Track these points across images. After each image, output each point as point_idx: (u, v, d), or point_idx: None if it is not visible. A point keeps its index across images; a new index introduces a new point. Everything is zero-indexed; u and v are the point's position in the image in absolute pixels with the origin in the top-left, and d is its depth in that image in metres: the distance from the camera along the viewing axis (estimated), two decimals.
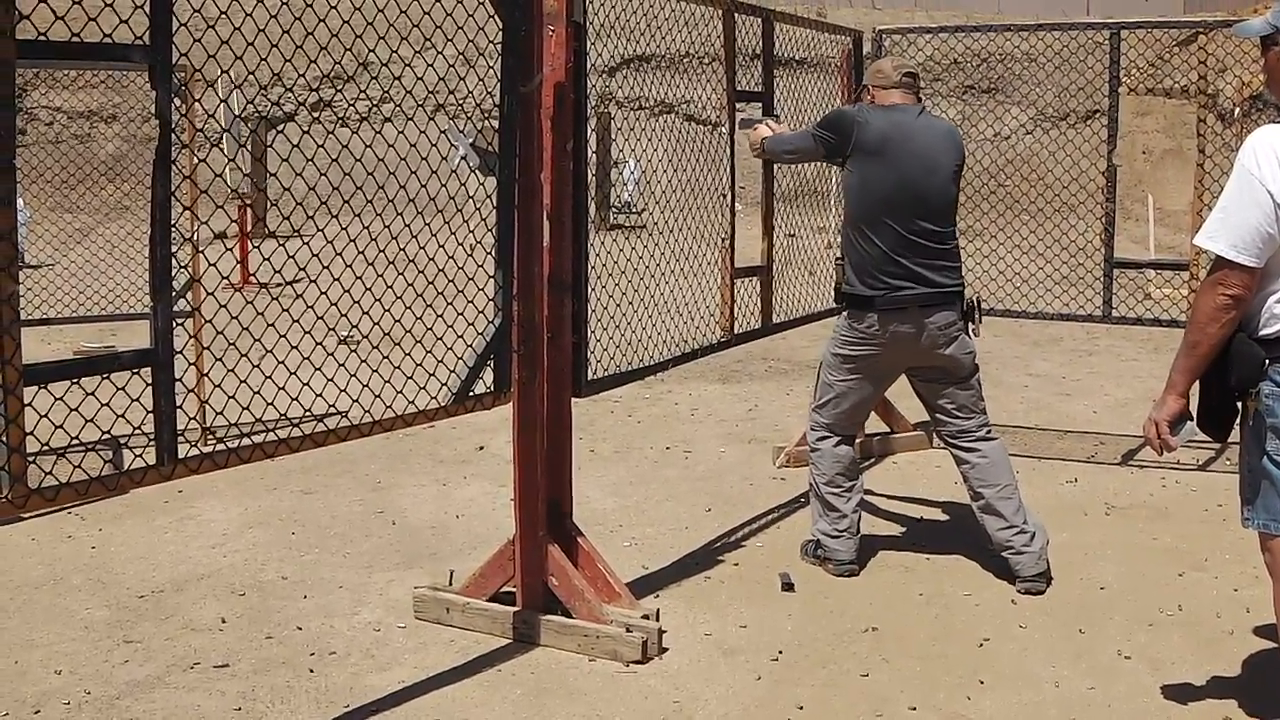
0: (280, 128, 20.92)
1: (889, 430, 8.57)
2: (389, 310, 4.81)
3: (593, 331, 5.60)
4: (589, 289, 5.49)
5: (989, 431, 6.20)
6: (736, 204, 6.93)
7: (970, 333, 6.08)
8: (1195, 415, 4.31)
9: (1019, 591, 5.98)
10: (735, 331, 6.68)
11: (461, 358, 5.07)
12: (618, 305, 6.24)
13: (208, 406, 7.24)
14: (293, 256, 4.54)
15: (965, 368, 6.09)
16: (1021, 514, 6.05)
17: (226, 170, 4.40)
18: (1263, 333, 4.10)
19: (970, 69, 21.83)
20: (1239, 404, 4.22)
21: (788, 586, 5.91)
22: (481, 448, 8.50)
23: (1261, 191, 3.96)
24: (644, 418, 9.51)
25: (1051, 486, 7.68)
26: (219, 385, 4.50)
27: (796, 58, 7.78)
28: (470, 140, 11.74)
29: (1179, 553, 6.51)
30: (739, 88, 6.69)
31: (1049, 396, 10.19)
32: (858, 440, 6.47)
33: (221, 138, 14.98)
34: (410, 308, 4.83)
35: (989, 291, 8.65)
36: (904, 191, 5.88)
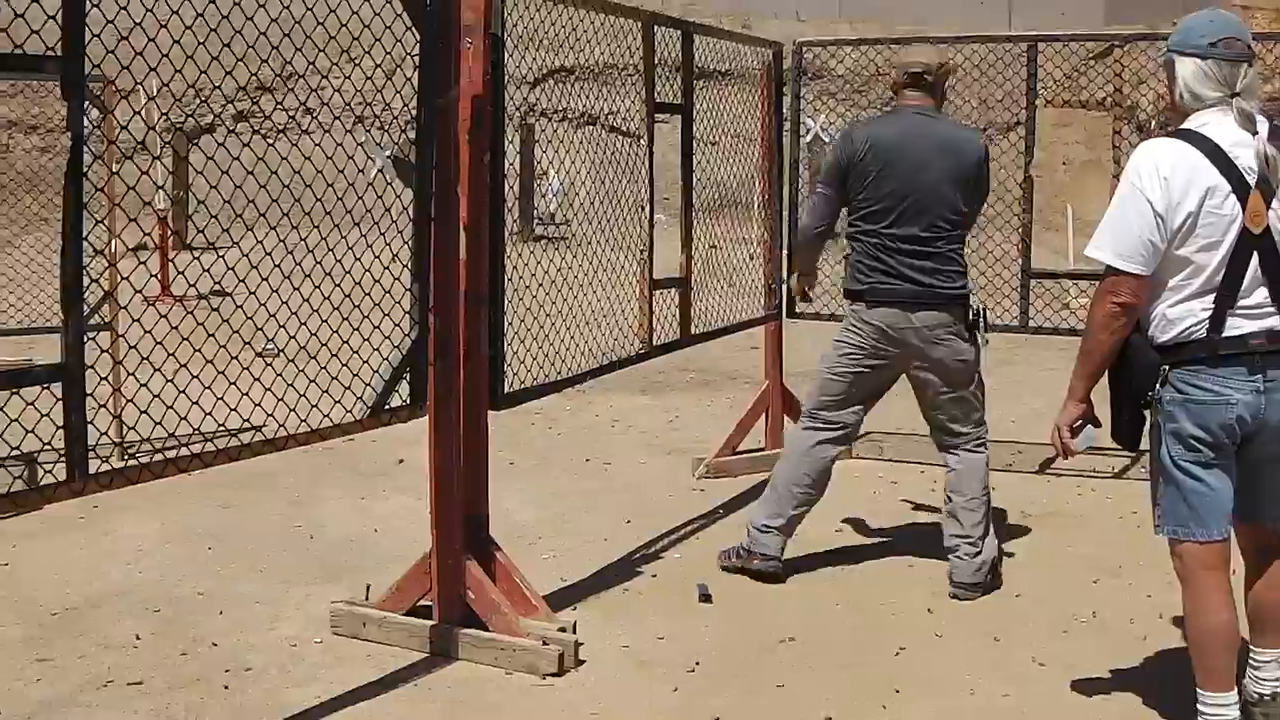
0: (196, 140, 20.75)
1: None
2: (305, 324, 4.78)
3: (510, 344, 5.59)
4: (507, 301, 5.49)
5: (976, 445, 6.26)
6: (660, 215, 6.95)
7: (975, 341, 6.13)
8: (1110, 426, 4.47)
9: (949, 595, 6.08)
10: (654, 343, 6.68)
11: (377, 371, 5.05)
12: (535, 318, 6.24)
13: (123, 422, 7.23)
14: (207, 271, 4.52)
15: (955, 375, 6.11)
16: (979, 528, 6.12)
17: (145, 182, 4.36)
18: (1160, 340, 4.29)
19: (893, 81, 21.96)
20: (1145, 413, 4.39)
21: (705, 598, 5.93)
22: (401, 461, 8.45)
23: (1144, 202, 4.14)
24: (565, 429, 9.51)
25: None
26: (131, 400, 4.46)
27: (721, 69, 7.82)
28: (388, 154, 11.72)
29: (1095, 560, 6.59)
30: (661, 100, 6.73)
31: None
32: (834, 456, 6.41)
33: (134, 150, 14.78)
34: (327, 321, 4.81)
35: None
36: (891, 194, 6.02)
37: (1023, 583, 6.25)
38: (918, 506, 7.59)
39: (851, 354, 6.19)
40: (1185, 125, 4.23)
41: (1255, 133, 4.17)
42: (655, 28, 6.43)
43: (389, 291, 5.09)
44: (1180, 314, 4.24)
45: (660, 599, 6.00)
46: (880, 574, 6.38)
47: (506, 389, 5.49)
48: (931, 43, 8.49)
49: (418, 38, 4.94)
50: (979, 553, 6.12)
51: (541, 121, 24.28)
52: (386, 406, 5.07)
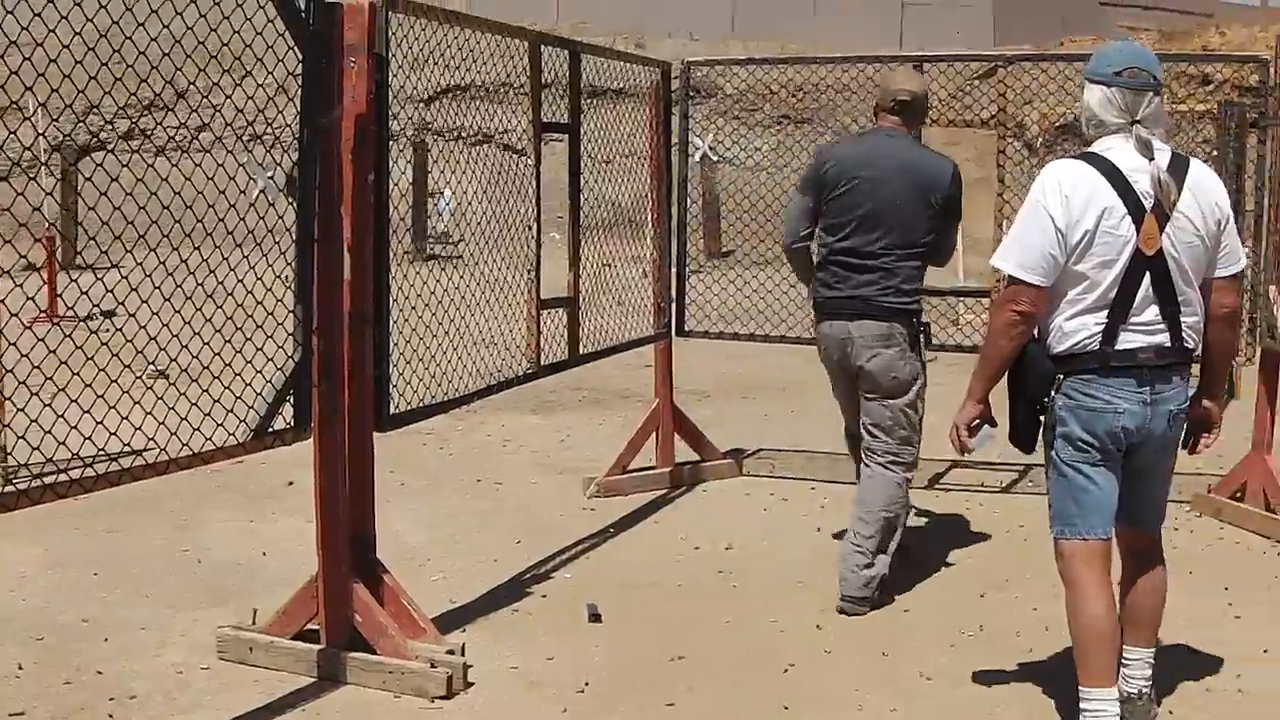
0: (75, 162, 20.43)
1: (699, 459, 8.62)
2: (186, 346, 4.71)
3: (397, 365, 5.56)
4: (394, 322, 5.45)
5: (890, 461, 6.29)
6: (554, 234, 6.94)
7: (919, 357, 6.32)
8: (1009, 429, 4.73)
9: (837, 609, 6.12)
10: (542, 363, 6.67)
11: (260, 394, 5.00)
12: (423, 339, 6.19)
13: (3, 449, 7.10)
14: (85, 293, 4.45)
15: (883, 387, 6.25)
16: (872, 542, 6.17)
17: (31, 199, 4.29)
18: (1056, 350, 4.53)
19: (784, 100, 22.14)
20: (1040, 418, 4.63)
21: (595, 617, 5.92)
22: (291, 483, 8.36)
23: (1046, 218, 4.39)
24: (456, 450, 9.47)
25: None
26: (7, 425, 4.38)
27: (615, 88, 7.83)
28: (270, 174, 11.59)
29: (982, 573, 6.67)
30: (550, 119, 6.76)
31: None
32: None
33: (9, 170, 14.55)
34: (209, 344, 4.76)
35: (796, 319, 8.77)
36: (847, 208, 6.24)
37: (911, 597, 6.31)
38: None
39: (823, 363, 6.56)
40: (1090, 149, 4.50)
41: (1152, 159, 4.39)
42: (542, 47, 6.42)
43: (271, 313, 5.03)
44: (1075, 327, 4.46)
45: (550, 619, 5.99)
46: (770, 590, 6.40)
47: (392, 410, 5.46)
48: (819, 62, 8.62)
49: (300, 57, 4.90)
50: (868, 565, 6.15)
51: (435, 140, 24.19)
52: (270, 429, 5.01)
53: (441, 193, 22.01)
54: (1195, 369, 4.78)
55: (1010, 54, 8.01)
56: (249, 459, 7.80)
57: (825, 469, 8.72)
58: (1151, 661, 4.84)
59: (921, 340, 6.36)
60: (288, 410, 5.09)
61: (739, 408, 11.17)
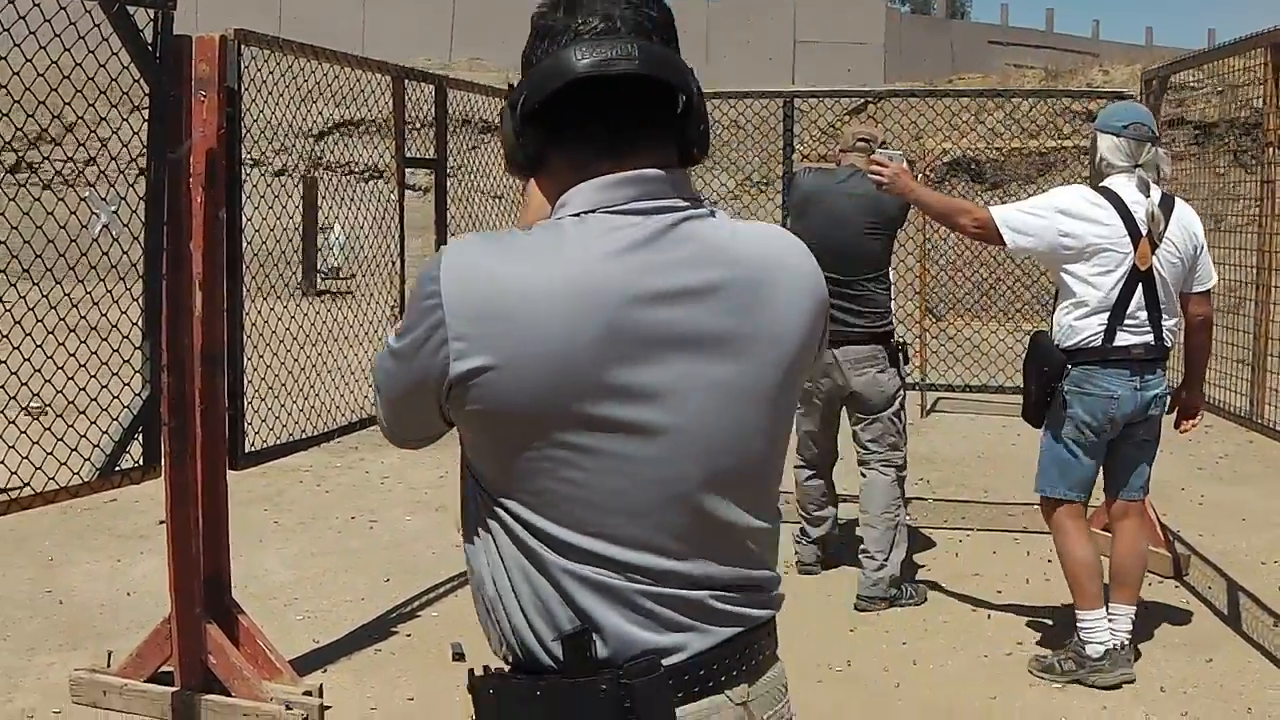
0: None
1: None
2: (50, 381, 4.61)
3: (265, 400, 5.48)
4: (253, 357, 5.37)
5: (884, 465, 6.79)
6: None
7: (898, 373, 6.80)
8: (1023, 411, 5.88)
9: (854, 606, 6.63)
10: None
11: (105, 431, 4.90)
12: (292, 374, 6.12)
13: None
14: None
15: (873, 403, 6.76)
16: (880, 544, 6.66)
17: None
18: (1064, 345, 5.60)
19: None
20: (1048, 398, 5.65)
21: (458, 656, 5.84)
22: (162, 521, 8.22)
23: (1055, 212, 5.55)
24: (333, 487, 9.35)
25: None
26: None
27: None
28: (113, 208, 11.41)
29: (852, 609, 6.65)
30: (424, 154, 6.77)
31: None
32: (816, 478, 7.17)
33: None
34: (73, 378, 4.67)
35: None
36: (814, 243, 6.09)
37: (779, 632, 6.28)
38: None
39: (804, 394, 6.63)
40: (1102, 184, 5.59)
41: (1148, 196, 5.51)
42: (406, 82, 6.38)
43: (118, 350, 4.94)
44: (1081, 326, 5.53)
45: (413, 659, 5.91)
46: None
47: (248, 448, 5.37)
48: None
49: (146, 90, 4.82)
50: (880, 566, 6.63)
51: (326, 175, 24.02)
52: (117, 467, 4.92)
53: (331, 227, 21.85)
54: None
55: (880, 90, 8.06)
56: (121, 497, 7.71)
57: None
58: (1133, 617, 5.76)
59: (900, 357, 6.84)
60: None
61: None
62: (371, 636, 6.16)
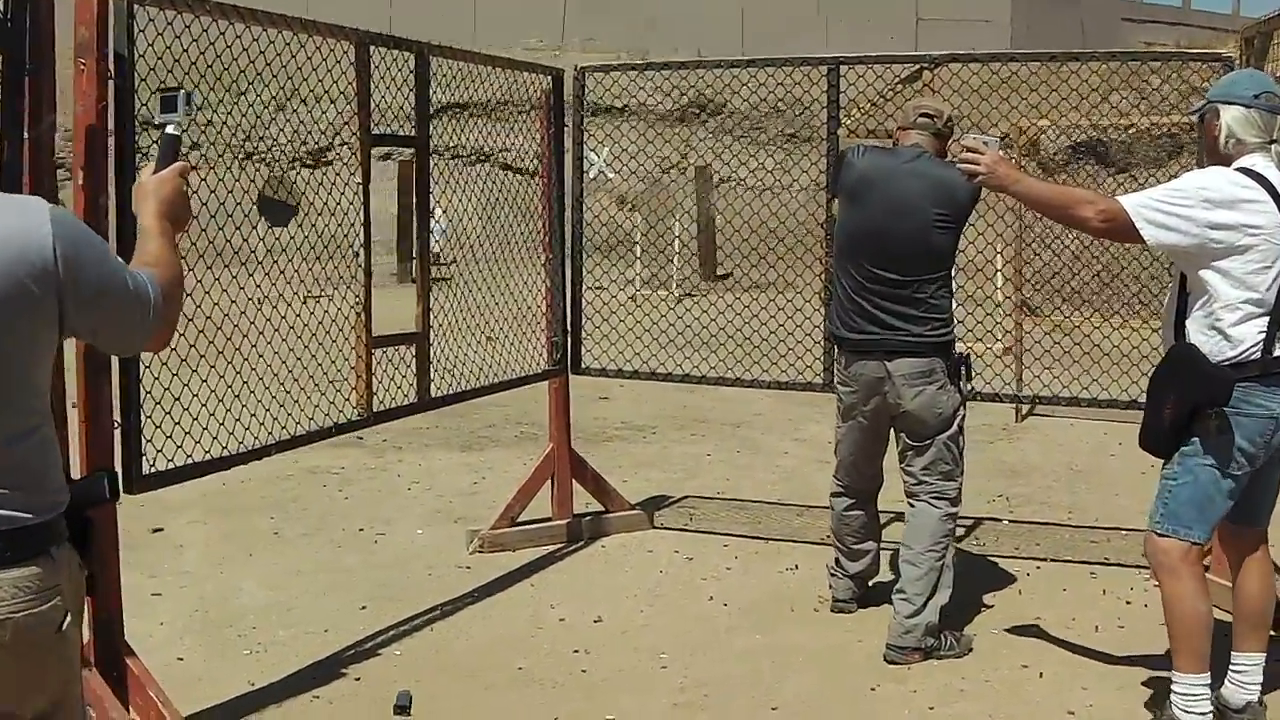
0: None
1: (603, 509, 7.79)
2: None
3: (190, 411, 4.78)
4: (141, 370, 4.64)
5: (935, 497, 5.95)
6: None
7: (958, 390, 5.91)
8: (1144, 437, 4.89)
9: (883, 657, 5.73)
10: (375, 408, 5.84)
11: None
12: (231, 384, 5.42)
13: None
14: None
15: (928, 426, 5.89)
16: (919, 585, 5.80)
17: None
18: (1222, 357, 4.63)
19: (792, 118, 21.40)
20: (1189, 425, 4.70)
21: (401, 709, 5.07)
22: (159, 529, 7.64)
23: (1195, 203, 4.58)
24: (356, 493, 8.68)
25: (769, 574, 6.96)
26: None
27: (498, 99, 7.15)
28: None
29: (880, 660, 5.79)
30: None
31: (806, 466, 9.49)
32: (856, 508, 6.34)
33: None
34: None
35: (725, 356, 7.98)
36: (869, 233, 5.83)
37: (790, 689, 5.45)
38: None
39: (847, 410, 6.12)
40: (1239, 164, 4.67)
41: None
42: (372, 48, 5.65)
43: None
44: (1241, 334, 4.59)
45: (352, 710, 5.15)
46: (622, 677, 5.53)
47: (146, 469, 4.67)
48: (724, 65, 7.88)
49: None
50: (915, 613, 5.75)
51: (432, 159, 23.56)
52: None
53: (432, 212, 21.38)
54: None
55: (937, 54, 7.15)
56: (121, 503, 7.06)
57: (749, 521, 7.94)
58: (1263, 667, 4.91)
59: (963, 371, 5.94)
60: None
61: (683, 447, 10.35)
62: (316, 679, 5.41)
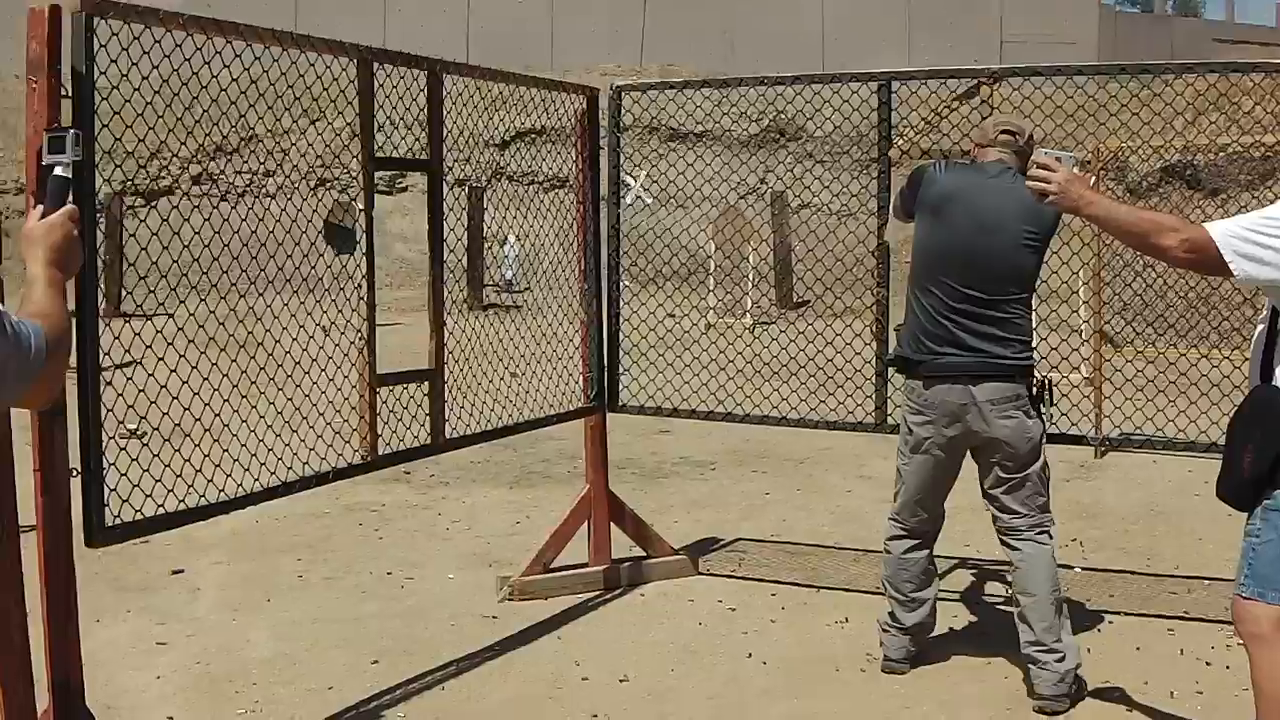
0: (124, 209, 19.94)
1: (644, 554, 7.35)
2: None
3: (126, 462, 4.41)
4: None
5: (1040, 532, 5.63)
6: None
7: (1040, 416, 5.62)
8: (1221, 484, 4.26)
9: (1034, 709, 5.39)
10: (380, 451, 5.44)
11: None
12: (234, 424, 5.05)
13: None
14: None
15: (1021, 456, 5.56)
16: (1054, 631, 5.50)
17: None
18: None
19: (874, 141, 20.97)
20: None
21: None
22: (179, 571, 7.31)
23: None
24: (392, 532, 8.30)
25: (817, 627, 6.48)
26: None
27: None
28: None
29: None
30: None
31: (868, 506, 8.95)
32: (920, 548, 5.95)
33: None
34: None
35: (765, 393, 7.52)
36: (955, 252, 5.55)
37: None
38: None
39: (919, 442, 5.71)
40: None
41: None
42: (376, 65, 5.27)
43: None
44: None
45: None
46: None
47: (110, 520, 4.30)
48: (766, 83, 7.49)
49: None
50: (1061, 658, 5.46)
51: (506, 185, 23.35)
52: None
53: (505, 239, 21.26)
54: None
55: (995, 68, 6.68)
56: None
57: (801, 568, 7.46)
58: None
59: (1047, 397, 5.66)
60: None
61: (741, 485, 9.89)
62: None
